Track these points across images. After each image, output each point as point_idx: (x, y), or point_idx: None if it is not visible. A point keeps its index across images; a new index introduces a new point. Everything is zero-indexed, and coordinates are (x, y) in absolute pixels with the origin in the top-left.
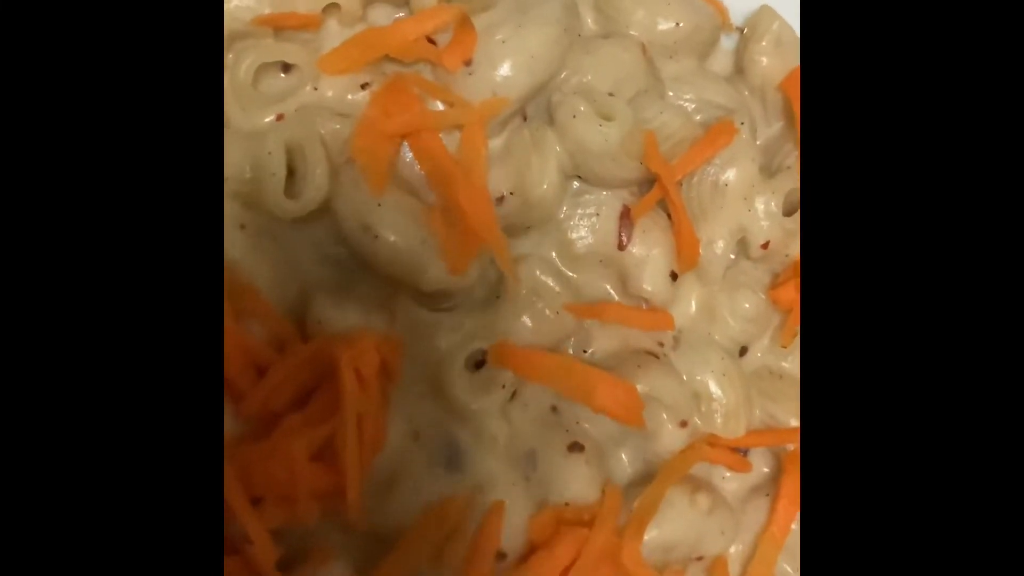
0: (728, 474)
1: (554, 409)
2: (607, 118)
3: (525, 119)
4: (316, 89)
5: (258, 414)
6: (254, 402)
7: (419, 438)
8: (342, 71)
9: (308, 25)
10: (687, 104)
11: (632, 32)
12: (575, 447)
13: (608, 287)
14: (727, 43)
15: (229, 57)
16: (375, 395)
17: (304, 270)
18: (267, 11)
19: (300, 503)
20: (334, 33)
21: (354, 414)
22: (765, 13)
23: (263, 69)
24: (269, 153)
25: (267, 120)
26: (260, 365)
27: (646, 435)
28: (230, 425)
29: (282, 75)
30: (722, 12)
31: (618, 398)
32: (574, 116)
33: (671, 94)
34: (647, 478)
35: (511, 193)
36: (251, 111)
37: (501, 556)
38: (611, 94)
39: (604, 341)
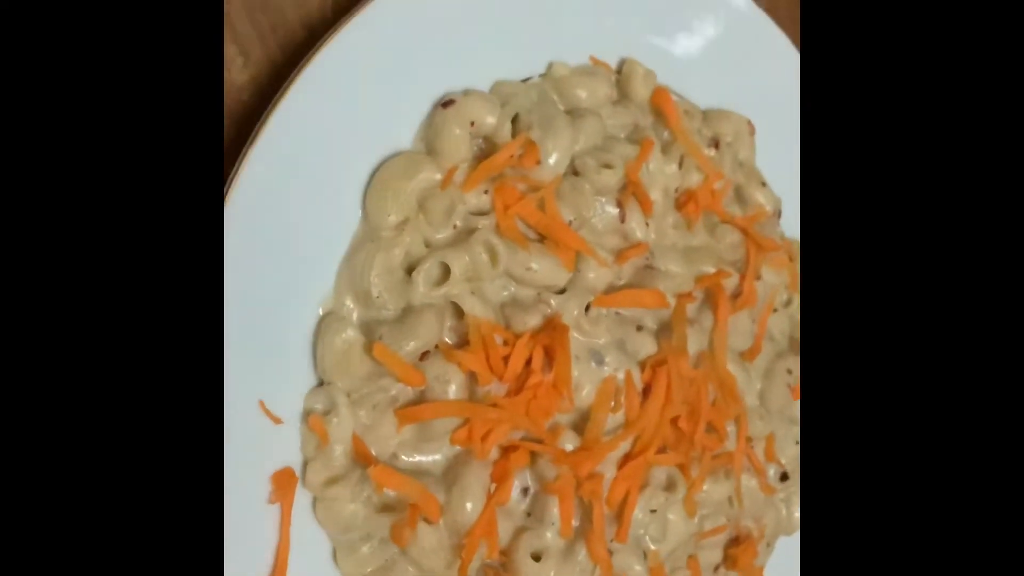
0: None
1: None
2: (608, 166)
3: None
4: (465, 204)
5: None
6: (510, 376)
7: None
8: (473, 188)
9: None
10: (620, 131)
11: (584, 105)
12: None
13: (617, 242)
14: None
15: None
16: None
17: (496, 298)
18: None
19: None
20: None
21: (568, 358)
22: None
23: None
24: (479, 252)
25: (448, 232)
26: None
27: None
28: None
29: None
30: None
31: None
32: (596, 172)
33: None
34: None
35: (574, 219)
36: (439, 228)
37: None
38: (597, 148)
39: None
